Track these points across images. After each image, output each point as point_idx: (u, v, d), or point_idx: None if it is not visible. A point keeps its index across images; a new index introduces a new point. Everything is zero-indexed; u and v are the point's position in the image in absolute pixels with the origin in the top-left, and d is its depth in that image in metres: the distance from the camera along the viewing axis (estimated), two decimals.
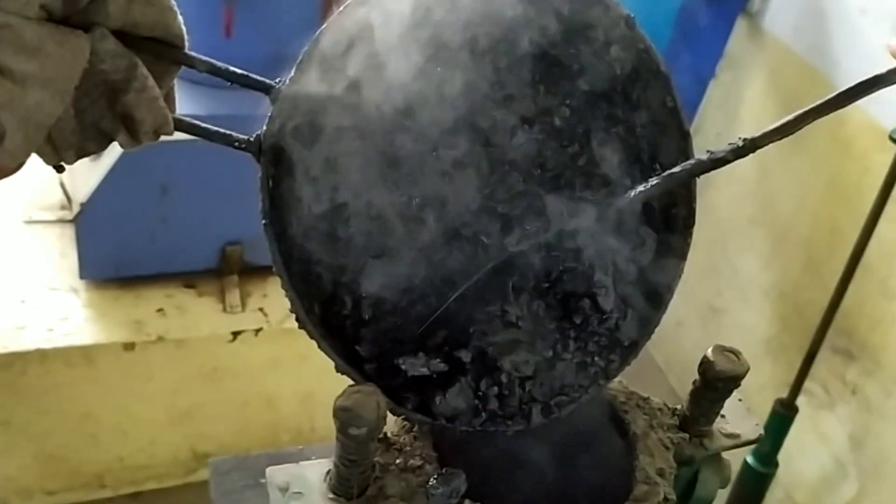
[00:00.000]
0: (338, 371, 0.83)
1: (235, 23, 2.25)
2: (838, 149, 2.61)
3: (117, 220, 2.38)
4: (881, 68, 0.74)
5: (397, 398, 0.86)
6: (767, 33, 2.92)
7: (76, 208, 2.36)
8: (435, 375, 0.88)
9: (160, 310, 2.49)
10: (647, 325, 0.90)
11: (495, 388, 0.88)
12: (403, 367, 0.86)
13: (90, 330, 2.39)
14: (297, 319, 0.81)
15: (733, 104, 3.10)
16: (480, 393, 0.88)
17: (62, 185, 2.69)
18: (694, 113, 3.19)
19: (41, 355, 2.32)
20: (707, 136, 3.18)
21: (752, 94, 3.03)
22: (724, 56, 3.11)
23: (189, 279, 2.59)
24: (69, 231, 2.51)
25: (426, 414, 0.86)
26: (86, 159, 2.34)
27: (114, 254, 2.45)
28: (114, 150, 2.26)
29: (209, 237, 2.53)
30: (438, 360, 0.88)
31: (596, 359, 0.90)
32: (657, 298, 0.90)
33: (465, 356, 0.88)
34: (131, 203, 2.37)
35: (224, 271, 2.58)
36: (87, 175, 2.37)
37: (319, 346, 0.82)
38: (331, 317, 0.85)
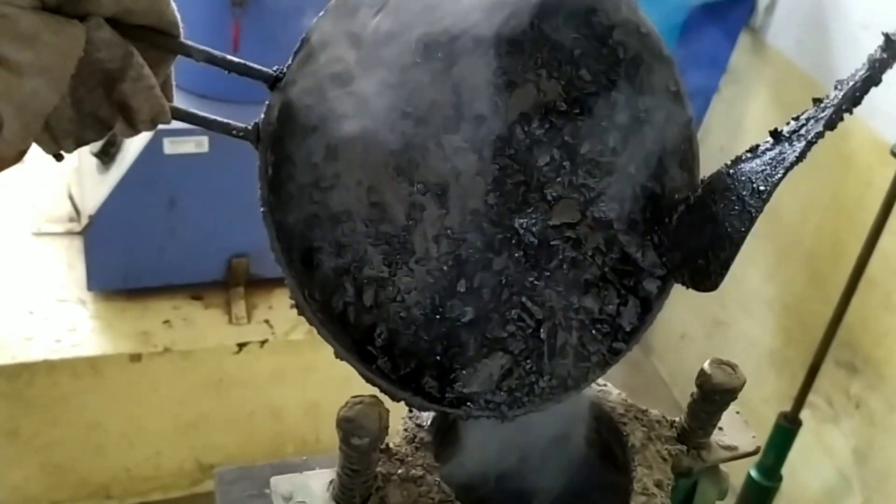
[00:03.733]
0: (337, 357, 0.82)
1: (243, 36, 2.28)
2: (841, 163, 2.61)
3: (125, 232, 2.41)
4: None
5: (406, 385, 0.85)
6: (770, 48, 2.94)
7: (84, 220, 2.39)
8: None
9: (167, 321, 2.51)
10: (648, 313, 0.89)
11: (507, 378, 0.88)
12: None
13: (97, 341, 2.41)
14: (296, 306, 0.81)
15: (737, 118, 3.12)
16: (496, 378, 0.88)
17: (71, 198, 2.71)
18: (698, 127, 3.20)
19: (49, 366, 2.34)
20: (710, 149, 3.19)
21: (755, 108, 3.04)
22: (727, 70, 3.13)
23: (196, 291, 2.61)
24: (77, 243, 2.54)
25: (432, 401, 0.85)
26: (94, 172, 2.32)
27: (121, 265, 2.48)
28: (122, 163, 2.29)
29: (216, 249, 2.55)
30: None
31: (599, 346, 0.89)
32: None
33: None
34: (139, 215, 2.39)
35: (230, 283, 2.61)
36: (95, 187, 2.40)
37: (319, 333, 0.81)
38: (332, 304, 0.84)
